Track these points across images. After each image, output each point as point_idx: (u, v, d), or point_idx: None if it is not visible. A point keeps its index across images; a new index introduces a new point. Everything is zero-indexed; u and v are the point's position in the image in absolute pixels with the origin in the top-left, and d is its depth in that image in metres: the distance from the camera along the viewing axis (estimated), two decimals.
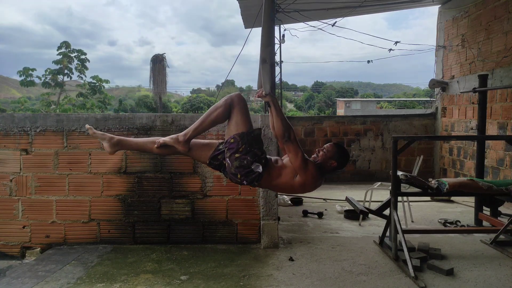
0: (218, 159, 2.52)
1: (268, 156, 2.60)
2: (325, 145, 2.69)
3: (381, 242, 3.61)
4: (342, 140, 7.46)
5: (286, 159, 2.65)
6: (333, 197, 5.86)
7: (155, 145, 2.53)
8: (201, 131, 2.53)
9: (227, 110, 2.48)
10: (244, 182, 2.52)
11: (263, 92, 2.52)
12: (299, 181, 2.51)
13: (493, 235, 3.64)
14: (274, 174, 2.56)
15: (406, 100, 50.86)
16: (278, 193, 2.82)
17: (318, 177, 2.56)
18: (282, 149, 2.61)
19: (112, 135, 2.57)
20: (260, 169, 2.49)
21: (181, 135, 2.50)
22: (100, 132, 2.60)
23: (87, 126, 2.57)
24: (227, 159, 2.46)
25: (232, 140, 2.45)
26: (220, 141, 2.58)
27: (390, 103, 49.80)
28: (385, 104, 48.61)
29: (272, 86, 2.62)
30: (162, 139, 2.53)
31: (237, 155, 2.45)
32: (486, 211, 4.22)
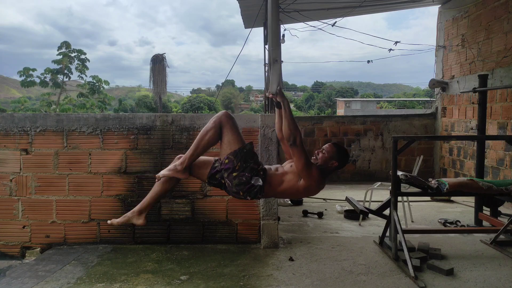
0: (216, 178, 2.54)
1: (266, 166, 2.63)
2: (323, 146, 2.71)
3: (381, 242, 3.61)
4: (342, 140, 7.46)
5: (287, 165, 2.67)
6: (333, 197, 5.86)
7: (156, 180, 2.54)
8: (197, 156, 2.55)
9: (217, 131, 2.51)
10: (248, 197, 2.55)
11: (270, 92, 2.56)
12: (303, 185, 2.53)
13: (493, 235, 3.64)
14: (276, 182, 2.58)
15: (406, 100, 50.87)
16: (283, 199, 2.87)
17: (321, 180, 2.58)
18: (287, 152, 2.62)
19: (133, 211, 2.59)
20: (260, 182, 2.52)
21: (178, 164, 2.52)
22: (121, 219, 2.60)
23: (109, 222, 2.60)
24: (226, 179, 2.49)
25: (226, 161, 2.48)
26: (216, 158, 2.59)
27: (390, 103, 49.81)
28: (385, 104, 48.63)
29: (280, 86, 2.65)
30: (161, 173, 2.54)
31: (234, 173, 2.48)
32: (486, 211, 4.22)
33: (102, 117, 3.69)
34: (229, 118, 2.53)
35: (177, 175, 2.53)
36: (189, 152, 2.53)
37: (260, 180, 2.51)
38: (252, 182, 2.49)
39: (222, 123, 2.51)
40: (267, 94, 2.86)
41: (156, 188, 2.57)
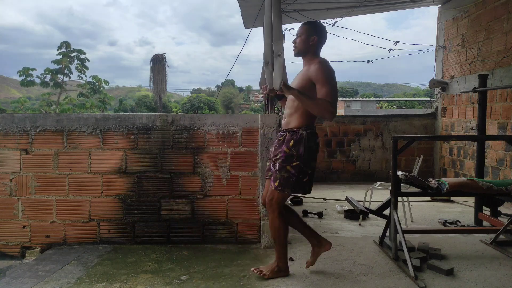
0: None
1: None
2: (296, 32, 2.77)
3: (381, 242, 3.61)
4: (342, 140, 7.46)
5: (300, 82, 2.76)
6: (333, 197, 5.86)
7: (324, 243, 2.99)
8: (284, 245, 2.91)
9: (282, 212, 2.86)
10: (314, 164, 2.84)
11: (271, 88, 2.58)
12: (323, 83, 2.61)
13: (493, 235, 3.63)
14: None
15: (406, 100, 50.88)
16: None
17: (324, 61, 2.66)
18: None
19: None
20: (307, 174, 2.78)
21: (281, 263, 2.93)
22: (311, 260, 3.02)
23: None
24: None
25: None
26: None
27: (390, 103, 49.81)
28: (385, 104, 48.64)
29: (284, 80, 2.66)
30: (268, 275, 2.91)
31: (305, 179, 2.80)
32: (486, 211, 4.22)
33: (102, 117, 3.69)
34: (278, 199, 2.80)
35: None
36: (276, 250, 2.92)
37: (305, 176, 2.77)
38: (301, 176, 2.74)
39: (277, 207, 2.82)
40: (266, 92, 2.87)
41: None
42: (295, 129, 2.75)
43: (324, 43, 2.79)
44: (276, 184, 2.75)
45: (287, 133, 2.78)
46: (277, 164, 2.76)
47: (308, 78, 2.66)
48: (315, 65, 2.63)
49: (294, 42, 2.74)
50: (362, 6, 6.25)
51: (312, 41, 2.67)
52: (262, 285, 2.81)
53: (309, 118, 2.75)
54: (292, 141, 2.72)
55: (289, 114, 2.81)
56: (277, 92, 2.76)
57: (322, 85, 2.56)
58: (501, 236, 3.60)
